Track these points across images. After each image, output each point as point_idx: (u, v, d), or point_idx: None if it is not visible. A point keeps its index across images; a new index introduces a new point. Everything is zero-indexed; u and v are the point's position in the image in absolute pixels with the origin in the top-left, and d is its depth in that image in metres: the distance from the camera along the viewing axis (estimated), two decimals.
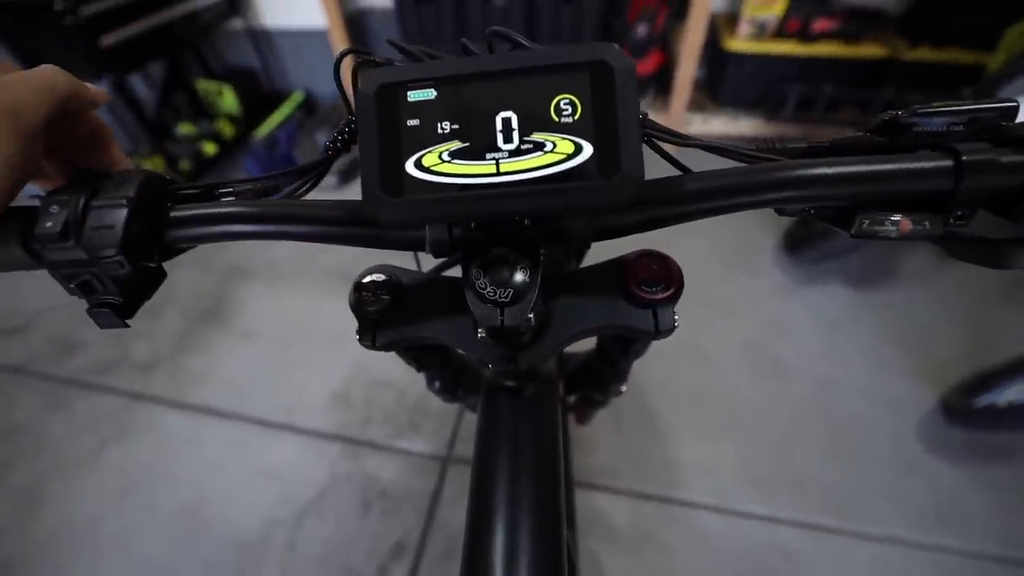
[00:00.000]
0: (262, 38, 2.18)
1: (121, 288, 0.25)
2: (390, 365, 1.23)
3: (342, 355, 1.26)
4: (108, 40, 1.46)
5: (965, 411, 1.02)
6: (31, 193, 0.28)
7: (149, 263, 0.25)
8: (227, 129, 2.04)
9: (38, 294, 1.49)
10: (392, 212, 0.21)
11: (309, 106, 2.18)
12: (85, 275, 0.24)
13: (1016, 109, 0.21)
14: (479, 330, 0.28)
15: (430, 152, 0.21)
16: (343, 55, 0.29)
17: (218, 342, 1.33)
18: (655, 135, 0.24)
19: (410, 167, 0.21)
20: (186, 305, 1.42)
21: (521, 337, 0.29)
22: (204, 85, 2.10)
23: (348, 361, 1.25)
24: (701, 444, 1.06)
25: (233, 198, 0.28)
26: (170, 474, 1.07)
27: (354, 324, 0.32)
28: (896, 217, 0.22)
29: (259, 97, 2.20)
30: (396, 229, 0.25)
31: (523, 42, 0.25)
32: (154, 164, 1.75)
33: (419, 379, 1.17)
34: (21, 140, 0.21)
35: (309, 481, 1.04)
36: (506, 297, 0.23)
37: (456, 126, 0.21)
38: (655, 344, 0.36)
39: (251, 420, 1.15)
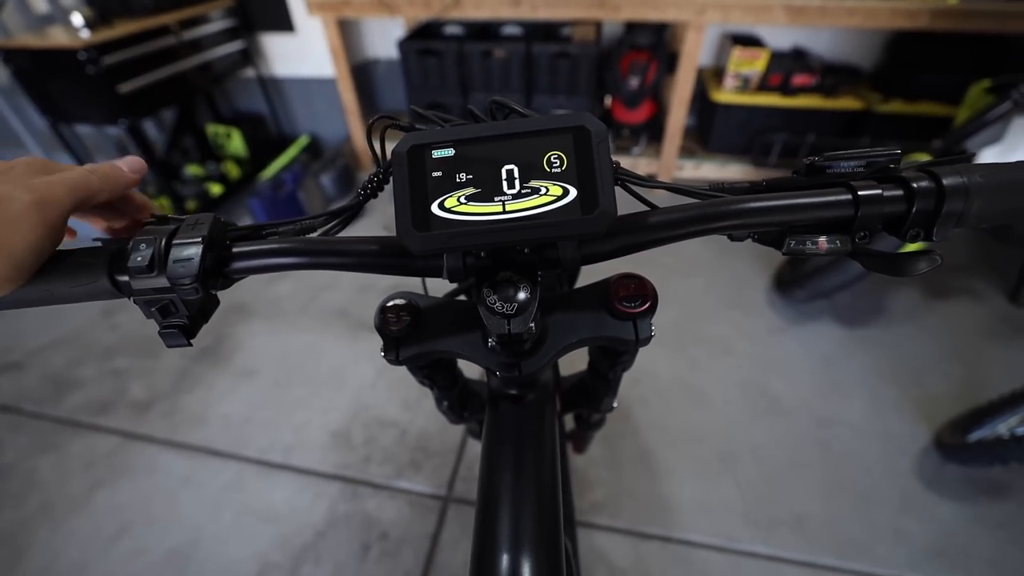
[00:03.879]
0: (271, 85, 2.28)
1: (189, 312, 0.29)
2: (391, 403, 1.24)
3: (343, 394, 1.26)
4: (126, 88, 1.54)
5: (959, 447, 1.03)
6: (93, 236, 0.31)
7: (214, 290, 0.30)
8: (233, 171, 2.10)
9: (36, 332, 1.49)
10: (422, 244, 0.26)
11: (314, 149, 2.26)
12: (163, 301, 0.28)
13: (899, 156, 0.27)
14: (489, 340, 0.34)
15: (450, 196, 0.26)
16: (375, 120, 0.35)
17: (217, 381, 1.33)
18: (626, 179, 0.30)
19: (435, 208, 0.26)
20: None
21: (524, 345, 0.33)
22: (213, 128, 2.18)
23: (349, 400, 1.25)
24: (701, 482, 1.06)
25: (277, 236, 0.32)
26: (163, 516, 1.05)
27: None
28: (817, 238, 0.27)
29: (266, 140, 2.28)
30: (421, 258, 0.29)
31: (519, 110, 0.30)
32: (161, 204, 1.79)
33: (420, 417, 1.18)
34: (45, 229, 0.25)
35: (307, 523, 1.02)
36: (512, 310, 0.28)
37: (470, 176, 0.26)
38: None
39: (249, 460, 1.14)
